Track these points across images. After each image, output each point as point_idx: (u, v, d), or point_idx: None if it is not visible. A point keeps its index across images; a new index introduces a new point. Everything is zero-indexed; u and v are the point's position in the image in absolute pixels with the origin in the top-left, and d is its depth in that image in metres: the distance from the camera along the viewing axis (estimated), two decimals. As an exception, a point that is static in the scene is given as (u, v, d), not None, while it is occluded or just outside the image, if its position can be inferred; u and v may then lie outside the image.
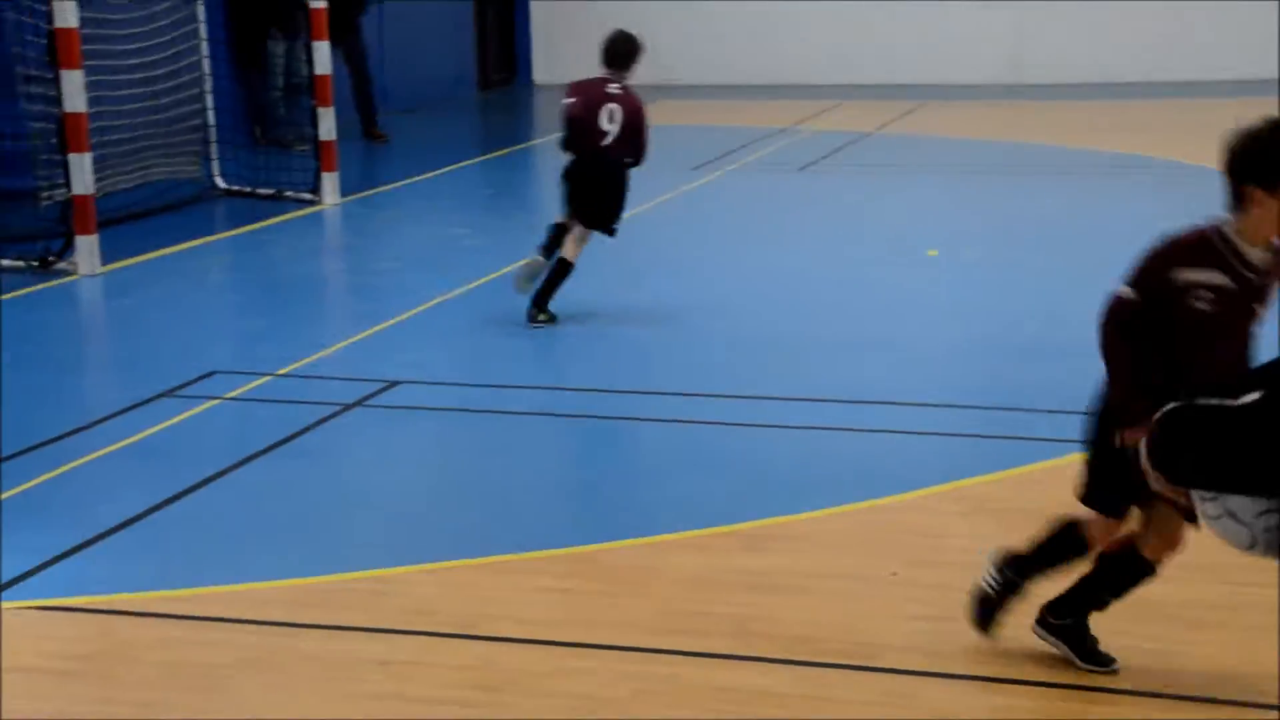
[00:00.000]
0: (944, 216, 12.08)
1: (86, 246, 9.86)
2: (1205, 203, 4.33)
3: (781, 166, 14.60)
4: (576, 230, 8.51)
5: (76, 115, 9.79)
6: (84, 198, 9.86)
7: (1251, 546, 3.14)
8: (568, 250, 8.49)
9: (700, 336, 8.47)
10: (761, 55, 22.47)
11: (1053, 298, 8.74)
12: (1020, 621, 4.27)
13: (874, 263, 10.26)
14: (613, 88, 8.48)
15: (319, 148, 12.55)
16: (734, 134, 16.56)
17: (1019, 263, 10.24)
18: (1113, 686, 4.18)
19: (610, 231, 8.59)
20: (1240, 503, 3.10)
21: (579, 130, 8.44)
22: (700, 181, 13.45)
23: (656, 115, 9.09)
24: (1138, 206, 11.36)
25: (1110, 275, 4.08)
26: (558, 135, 8.80)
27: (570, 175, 8.54)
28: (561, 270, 8.55)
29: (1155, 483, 3.28)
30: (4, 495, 5.68)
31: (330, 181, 12.53)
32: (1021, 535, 4.31)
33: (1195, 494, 3.21)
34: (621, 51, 8.61)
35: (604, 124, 8.38)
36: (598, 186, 8.50)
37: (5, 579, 4.87)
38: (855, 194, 13.39)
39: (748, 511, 5.59)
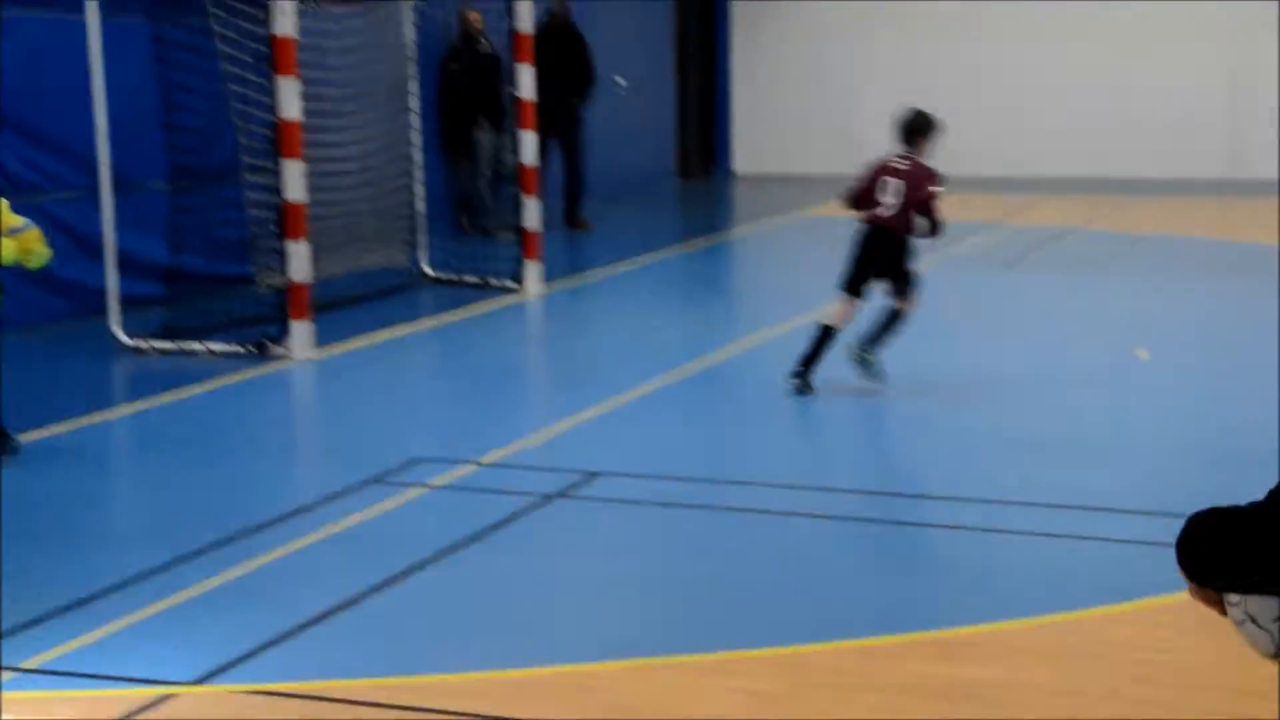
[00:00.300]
0: (1156, 316, 11.84)
1: (301, 332, 10.14)
2: None
3: (987, 260, 14.46)
4: (848, 302, 8.96)
5: (295, 204, 10.11)
6: (300, 284, 10.13)
7: (1275, 654, 2.97)
8: (834, 316, 8.86)
9: (917, 432, 8.41)
10: (968, 147, 22.38)
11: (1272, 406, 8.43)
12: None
13: (1087, 362, 10.07)
14: (899, 162, 8.77)
15: (523, 237, 12.77)
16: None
17: (1235, 367, 9.96)
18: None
19: (900, 298, 8.85)
20: (1260, 606, 2.96)
21: (858, 201, 8.85)
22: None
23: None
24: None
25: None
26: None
27: (852, 244, 8.93)
28: (824, 336, 8.85)
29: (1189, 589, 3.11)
30: (222, 579, 5.82)
31: (534, 270, 12.75)
32: (1241, 651, 4.14)
33: (1224, 598, 3.03)
34: (913, 127, 8.89)
35: (883, 196, 8.67)
36: (870, 256, 8.86)
37: (223, 662, 4.98)
38: (1062, 290, 13.17)
39: (961, 617, 5.49)
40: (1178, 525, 2.74)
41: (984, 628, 5.47)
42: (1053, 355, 10.43)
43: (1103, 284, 13.57)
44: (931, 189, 8.69)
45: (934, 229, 8.76)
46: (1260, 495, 3.11)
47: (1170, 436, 8.26)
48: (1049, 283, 13.75)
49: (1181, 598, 5.49)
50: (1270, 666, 3.99)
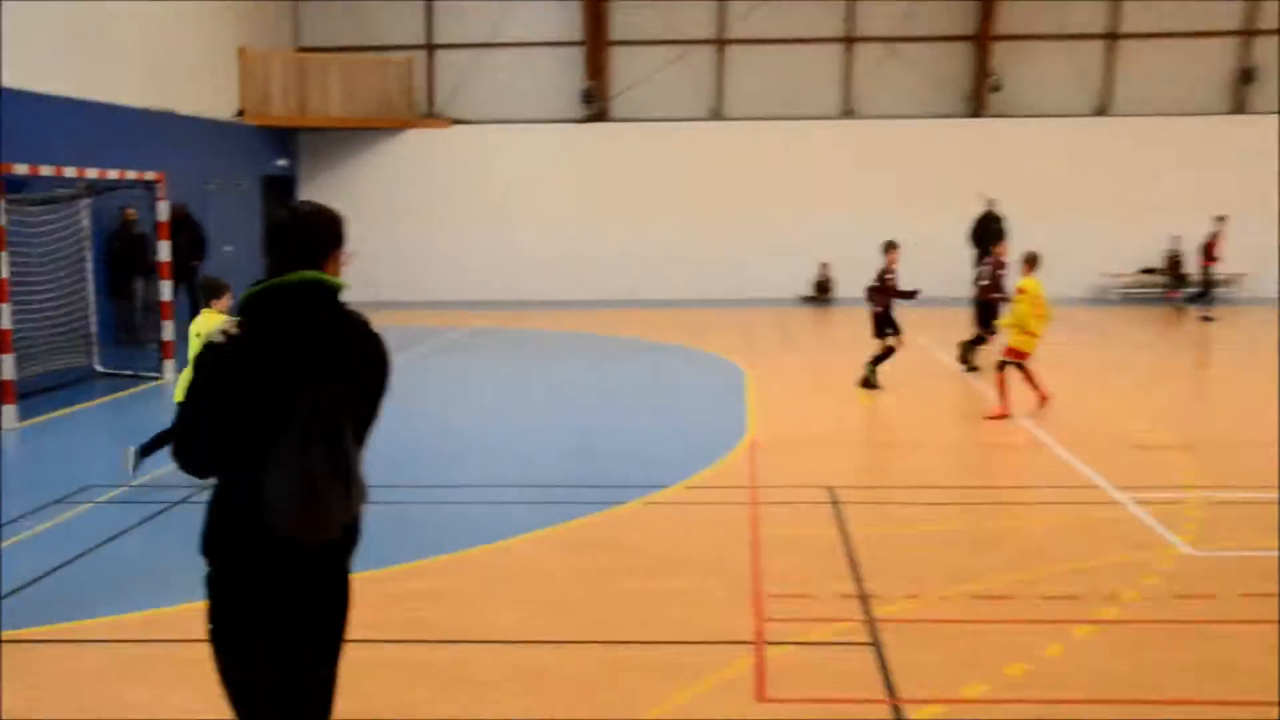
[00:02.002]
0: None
1: (9, 412, 14.14)
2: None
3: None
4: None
5: (5, 330, 14.05)
6: (8, 380, 14.17)
7: None
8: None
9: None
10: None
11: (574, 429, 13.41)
12: None
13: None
14: None
15: (162, 346, 17.47)
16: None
17: (589, 407, 15.17)
18: None
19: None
20: None
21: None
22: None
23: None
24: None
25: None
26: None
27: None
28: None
29: None
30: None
31: (169, 365, 17.35)
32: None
33: None
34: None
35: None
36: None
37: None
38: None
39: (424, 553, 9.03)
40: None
41: (436, 559, 8.99)
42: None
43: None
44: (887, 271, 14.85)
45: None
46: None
47: (535, 445, 13.03)
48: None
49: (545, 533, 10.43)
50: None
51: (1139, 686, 6.55)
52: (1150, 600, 7.89)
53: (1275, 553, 8.85)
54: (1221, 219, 25.72)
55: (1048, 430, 13.35)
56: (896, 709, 6.24)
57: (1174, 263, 28.90)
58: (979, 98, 29.21)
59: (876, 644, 7.08)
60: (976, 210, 28.17)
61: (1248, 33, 29.43)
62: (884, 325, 16.13)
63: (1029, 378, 14.35)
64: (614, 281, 28.68)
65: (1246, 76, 29.52)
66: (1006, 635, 7.25)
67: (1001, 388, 14.21)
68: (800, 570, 8.49)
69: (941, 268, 29.01)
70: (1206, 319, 25.13)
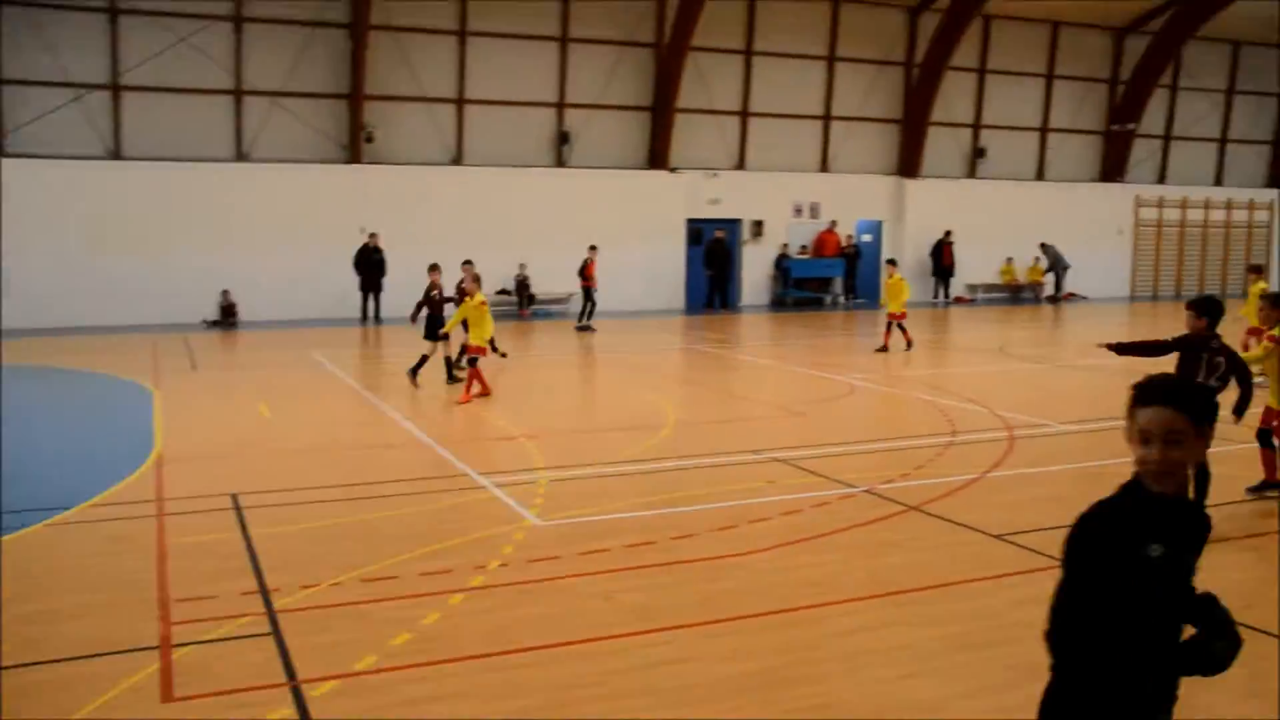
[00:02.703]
0: None
1: None
2: None
3: None
4: None
5: None
6: None
7: None
8: None
9: None
10: None
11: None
12: None
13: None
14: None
15: None
16: None
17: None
18: None
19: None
20: None
21: None
22: None
23: None
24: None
25: None
26: None
27: None
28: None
29: None
30: None
31: None
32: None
33: None
34: None
35: None
36: None
37: None
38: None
39: None
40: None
41: None
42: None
43: None
44: None
45: None
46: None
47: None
48: None
49: None
50: None
51: (503, 639, 6.76)
52: (509, 566, 8.19)
53: (601, 516, 9.56)
54: (593, 248, 27.44)
55: (427, 430, 13.56)
56: (296, 690, 6.03)
57: (522, 285, 30.54)
58: (355, 147, 29.34)
59: (278, 634, 6.82)
60: (359, 243, 28.60)
61: (559, 105, 31.74)
62: (433, 329, 17.49)
63: (478, 376, 16.02)
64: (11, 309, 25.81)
65: (563, 138, 31.84)
66: (391, 611, 7.24)
67: (473, 380, 16.01)
68: (205, 574, 7.99)
69: (329, 292, 29.20)
70: (585, 329, 26.50)
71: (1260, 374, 10.12)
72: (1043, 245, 36.98)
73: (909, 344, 21.99)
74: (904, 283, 22.25)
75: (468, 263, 17.20)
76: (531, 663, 6.46)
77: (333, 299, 28.92)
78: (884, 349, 21.92)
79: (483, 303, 16.24)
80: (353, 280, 28.67)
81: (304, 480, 11.17)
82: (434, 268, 18.08)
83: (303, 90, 28.91)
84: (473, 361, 16.12)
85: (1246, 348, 14.82)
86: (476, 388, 16.07)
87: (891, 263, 23.13)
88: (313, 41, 28.87)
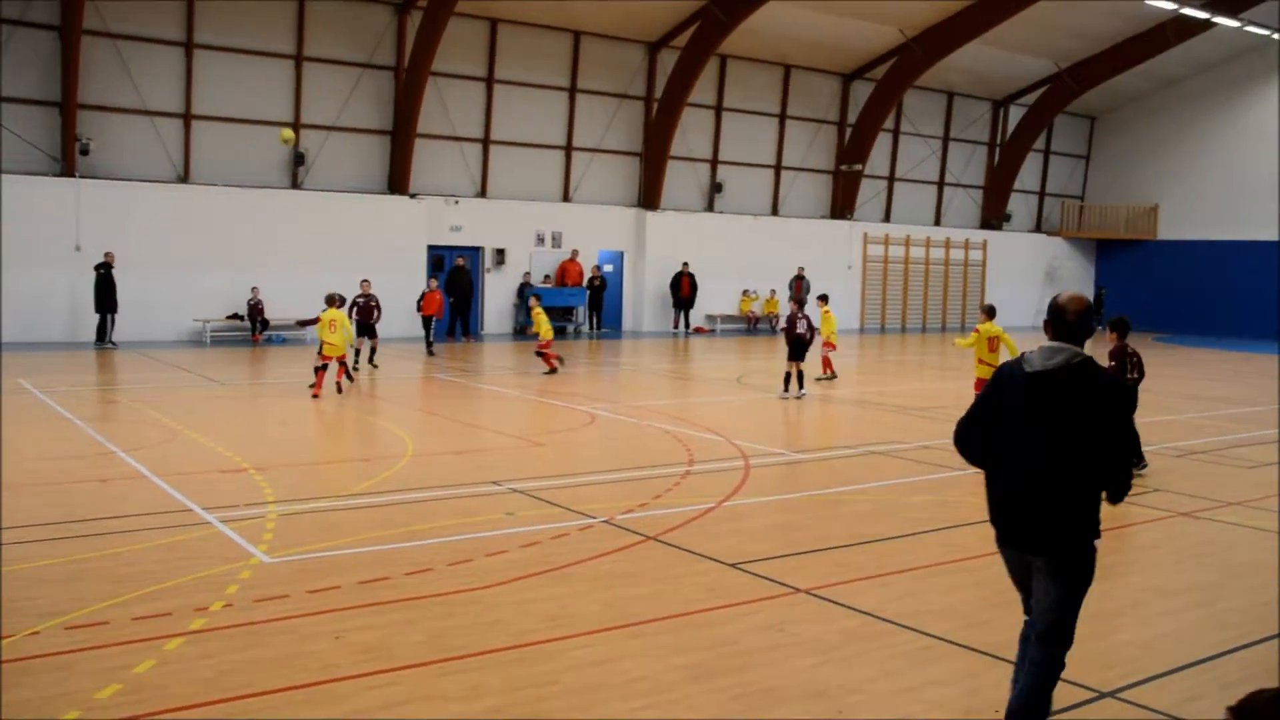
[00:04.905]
0: None
1: None
2: None
3: None
4: None
5: None
6: None
7: None
8: None
9: None
10: None
11: None
12: None
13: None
14: None
15: None
16: None
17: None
18: None
19: None
20: None
21: None
22: None
23: None
24: None
25: None
26: None
27: None
28: None
29: None
30: None
31: None
32: None
33: None
34: None
35: None
36: None
37: None
38: None
39: None
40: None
41: None
42: None
43: None
44: None
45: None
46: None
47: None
48: None
49: None
50: None
51: (224, 687, 6.41)
52: (233, 607, 7.78)
53: (333, 552, 9.25)
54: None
55: (147, 464, 12.78)
56: (-14, 752, 5.55)
57: (255, 310, 29.39)
58: (69, 159, 27.50)
59: (-37, 691, 6.25)
60: (73, 260, 26.88)
61: (295, 126, 30.89)
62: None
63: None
64: None
65: (299, 159, 31.02)
66: (98, 661, 6.72)
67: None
68: (-119, 627, 7.24)
69: (41, 313, 27.32)
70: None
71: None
72: (798, 277, 38.52)
73: (832, 374, 23.69)
74: (832, 316, 23.94)
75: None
76: (251, 710, 6.14)
77: (65, 320, 27.08)
78: (832, 376, 23.66)
79: (333, 321, 19.50)
80: (76, 301, 27.01)
81: (8, 519, 10.32)
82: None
83: (9, 95, 27.03)
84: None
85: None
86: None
87: (823, 299, 24.23)
88: (17, 42, 26.98)
